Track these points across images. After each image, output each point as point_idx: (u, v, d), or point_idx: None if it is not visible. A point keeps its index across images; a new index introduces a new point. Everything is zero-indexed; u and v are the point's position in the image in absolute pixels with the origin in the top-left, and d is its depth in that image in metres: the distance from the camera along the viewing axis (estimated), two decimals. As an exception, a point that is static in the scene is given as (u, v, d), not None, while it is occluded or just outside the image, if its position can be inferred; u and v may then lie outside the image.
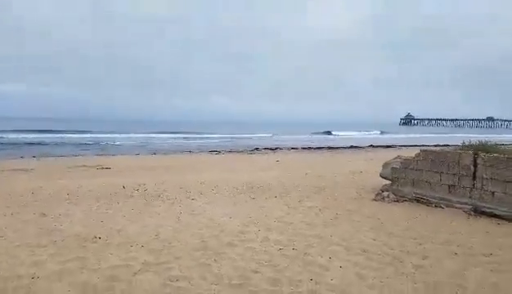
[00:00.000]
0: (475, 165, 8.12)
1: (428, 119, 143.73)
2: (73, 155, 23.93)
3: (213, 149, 29.82)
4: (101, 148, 31.44)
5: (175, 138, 46.34)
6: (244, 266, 5.07)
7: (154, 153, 26.21)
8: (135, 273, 4.82)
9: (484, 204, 7.82)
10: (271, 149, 31.34)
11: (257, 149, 31.27)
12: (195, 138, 47.20)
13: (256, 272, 4.89)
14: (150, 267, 5.02)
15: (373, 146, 35.39)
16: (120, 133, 48.96)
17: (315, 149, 32.18)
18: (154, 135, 49.35)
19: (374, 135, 63.70)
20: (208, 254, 5.50)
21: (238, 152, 28.60)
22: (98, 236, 6.27)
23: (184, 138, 46.96)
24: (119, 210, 8.21)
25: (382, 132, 73.07)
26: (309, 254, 5.55)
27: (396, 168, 10.04)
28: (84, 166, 17.08)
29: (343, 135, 59.44)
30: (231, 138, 48.57)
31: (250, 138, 48.65)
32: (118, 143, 36.30)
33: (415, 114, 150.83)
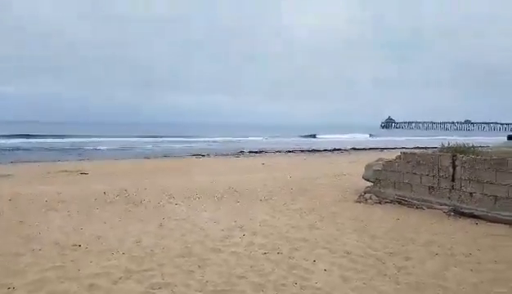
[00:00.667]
0: (454, 167, 8.29)
1: (407, 122, 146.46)
2: (53, 160, 23.41)
3: (198, 153, 29.64)
4: (82, 152, 30.84)
5: (160, 142, 45.87)
6: (228, 272, 5.03)
7: (137, 158, 25.88)
8: (116, 282, 4.72)
9: (463, 205, 7.99)
10: (256, 152, 31.38)
11: (242, 152, 31.26)
12: (181, 142, 46.78)
13: (241, 277, 4.86)
14: (132, 275, 4.93)
15: (355, 149, 35.83)
16: (105, 137, 48.18)
17: (300, 151, 32.41)
18: (138, 139, 48.75)
19: (362, 138, 64.43)
20: (192, 260, 5.44)
21: (223, 155, 28.52)
22: (78, 243, 6.13)
23: (169, 141, 46.53)
24: (100, 216, 8.06)
25: (371, 135, 74.09)
26: (294, 257, 5.56)
27: (378, 170, 10.18)
28: (65, 171, 16.72)
29: (328, 138, 59.76)
30: (218, 141, 48.47)
31: (238, 141, 48.67)
32: (101, 147, 35.64)
33: (396, 118, 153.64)
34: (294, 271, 5.06)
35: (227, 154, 29.31)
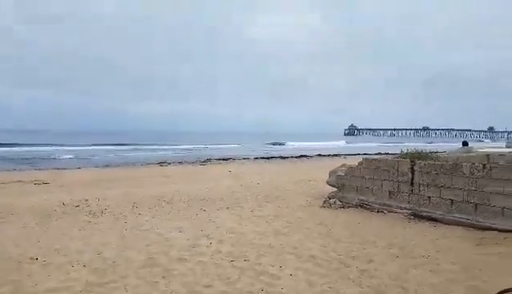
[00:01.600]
0: (412, 172, 8.64)
1: (369, 129, 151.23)
2: (8, 170, 22.24)
3: (164, 161, 29.12)
4: (41, 161, 29.48)
5: (125, 150, 44.70)
6: (194, 281, 4.96)
7: (100, 166, 25.07)
8: (77, 296, 4.54)
9: (422, 208, 8.32)
10: (224, 159, 31.26)
11: (209, 159, 31.03)
12: (146, 149, 45.80)
13: (207, 286, 4.81)
14: (93, 288, 4.75)
15: (321, 155, 36.51)
16: (67, 145, 46.40)
17: (267, 158, 32.62)
18: (102, 147, 47.24)
19: (340, 145, 65.40)
20: (156, 271, 5.32)
21: (190, 163, 28.19)
22: (35, 257, 5.84)
23: (134, 149, 45.46)
24: (59, 228, 7.73)
25: (347, 142, 75.93)
26: (261, 264, 5.57)
27: (341, 176, 10.43)
28: (20, 181, 15.92)
29: (301, 145, 59.99)
30: (185, 149, 47.87)
31: (206, 148, 48.30)
32: (64, 156, 34.24)
33: (358, 125, 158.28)
34: (261, 277, 5.06)
35: (194, 162, 29.00)
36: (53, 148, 43.06)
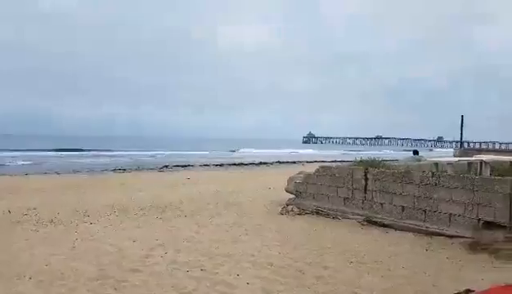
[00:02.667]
0: (366, 179, 8.94)
1: (327, 137, 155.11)
2: None
3: (118, 168, 28.20)
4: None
5: (78, 156, 42.86)
6: (147, 293, 4.81)
7: (50, 173, 23.82)
8: (19, 312, 4.26)
9: (374, 214, 8.62)
10: (182, 166, 30.78)
11: (167, 166, 30.43)
12: (102, 155, 44.13)
13: (161, 297, 4.68)
14: (39, 302, 4.49)
15: (280, 162, 36.95)
16: (13, 150, 43.72)
17: (227, 165, 32.49)
18: (55, 152, 45.01)
19: (310, 153, 65.89)
20: (108, 283, 5.10)
21: (147, 170, 27.51)
22: (-26, 271, 5.43)
23: (92, 155, 43.63)
24: (3, 238, 7.25)
25: (313, 150, 77.18)
26: (217, 273, 5.51)
27: (299, 183, 10.59)
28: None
29: (257, 153, 60.01)
30: (141, 155, 46.64)
31: (163, 155, 47.29)
32: (9, 163, 32.20)
33: (316, 133, 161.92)
34: (217, 287, 5.00)
35: (152, 168, 28.34)
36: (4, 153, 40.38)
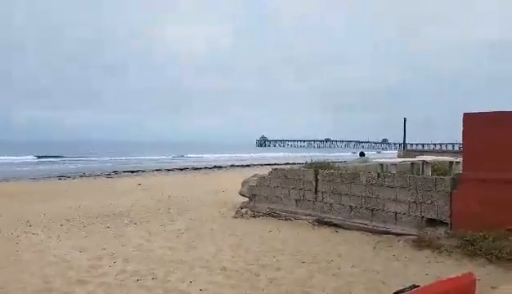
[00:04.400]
0: (316, 180, 9.18)
1: (279, 140, 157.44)
2: None
3: (63, 175, 26.75)
4: None
5: (19, 162, 40.01)
6: (95, 304, 4.60)
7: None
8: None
9: (325, 215, 8.86)
10: (132, 171, 29.80)
11: (116, 172, 29.32)
12: (44, 162, 41.53)
13: (109, 309, 4.49)
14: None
15: (234, 166, 36.96)
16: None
17: (179, 170, 31.92)
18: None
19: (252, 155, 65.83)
20: (53, 296, 4.82)
21: (94, 176, 26.33)
22: None
23: (30, 163, 40.88)
24: None
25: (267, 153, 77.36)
26: (170, 281, 5.39)
27: (252, 186, 10.65)
28: None
29: (212, 158, 58.69)
30: (86, 160, 44.57)
31: (110, 160, 45.43)
32: None
33: (269, 136, 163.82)
34: (169, 295, 4.90)
35: (99, 175, 27.18)
36: None
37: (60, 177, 25.21)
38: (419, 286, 3.26)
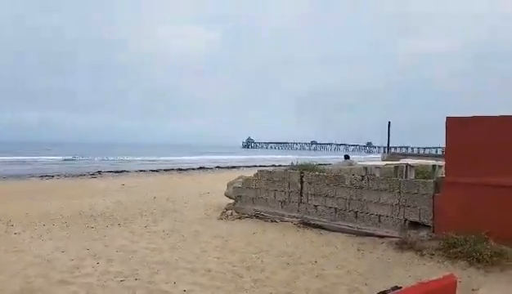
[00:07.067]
0: (301, 182, 9.24)
1: (265, 143, 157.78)
2: None
3: (45, 174, 26.25)
4: None
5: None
6: (77, 306, 4.54)
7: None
8: None
9: (310, 217, 8.92)
10: (116, 172, 29.42)
11: (100, 172, 28.91)
12: (25, 162, 40.58)
13: (92, 310, 4.44)
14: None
15: (220, 167, 36.85)
16: None
17: (164, 171, 31.65)
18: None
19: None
20: (33, 297, 4.74)
21: (77, 176, 25.92)
22: None
23: (11, 162, 39.88)
24: None
25: (252, 155, 76.98)
26: (153, 282, 5.35)
27: (238, 187, 10.65)
28: None
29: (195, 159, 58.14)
30: (70, 160, 43.81)
31: (93, 160, 44.72)
32: None
33: (255, 138, 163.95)
34: (153, 296, 4.86)
35: (82, 175, 26.77)
36: None
37: (43, 177, 24.75)
38: (401, 287, 3.31)
